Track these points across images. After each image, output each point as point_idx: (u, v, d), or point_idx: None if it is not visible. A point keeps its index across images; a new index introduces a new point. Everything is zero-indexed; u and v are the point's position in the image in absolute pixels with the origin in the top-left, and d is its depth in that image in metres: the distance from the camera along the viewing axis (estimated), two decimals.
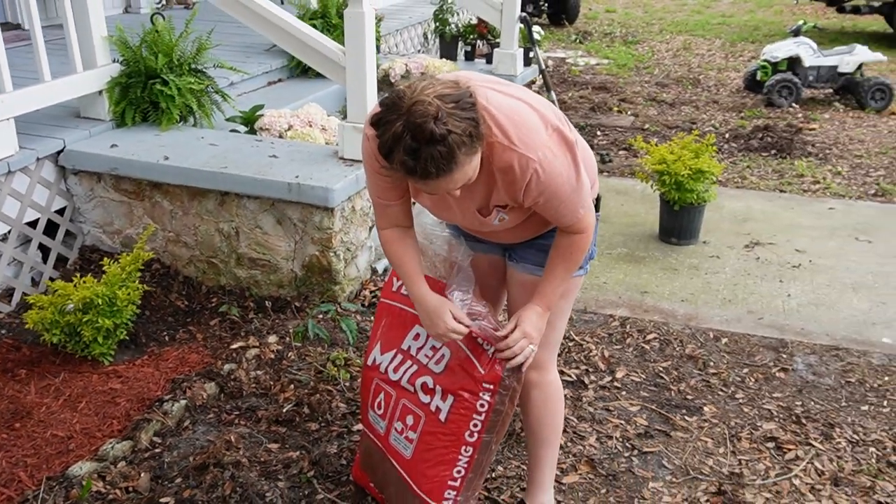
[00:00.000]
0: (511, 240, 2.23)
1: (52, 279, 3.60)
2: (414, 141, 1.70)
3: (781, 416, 3.07)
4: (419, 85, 1.76)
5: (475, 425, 2.17)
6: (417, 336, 2.32)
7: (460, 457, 2.20)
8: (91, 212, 3.90)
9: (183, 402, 2.96)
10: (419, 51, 7.39)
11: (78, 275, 3.31)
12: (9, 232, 3.55)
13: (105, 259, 3.34)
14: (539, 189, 1.92)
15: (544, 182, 1.91)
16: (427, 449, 2.23)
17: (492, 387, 2.14)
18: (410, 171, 1.75)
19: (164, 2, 7.38)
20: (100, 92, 3.99)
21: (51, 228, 3.81)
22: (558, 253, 2.12)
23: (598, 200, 2.27)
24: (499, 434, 2.23)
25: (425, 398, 2.23)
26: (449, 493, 2.23)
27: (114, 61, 4.04)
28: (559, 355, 3.39)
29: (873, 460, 2.82)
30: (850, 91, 7.50)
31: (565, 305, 2.32)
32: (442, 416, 2.19)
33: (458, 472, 2.22)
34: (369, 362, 2.42)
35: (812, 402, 3.15)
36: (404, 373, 2.30)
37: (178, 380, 3.09)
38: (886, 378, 3.30)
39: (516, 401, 2.21)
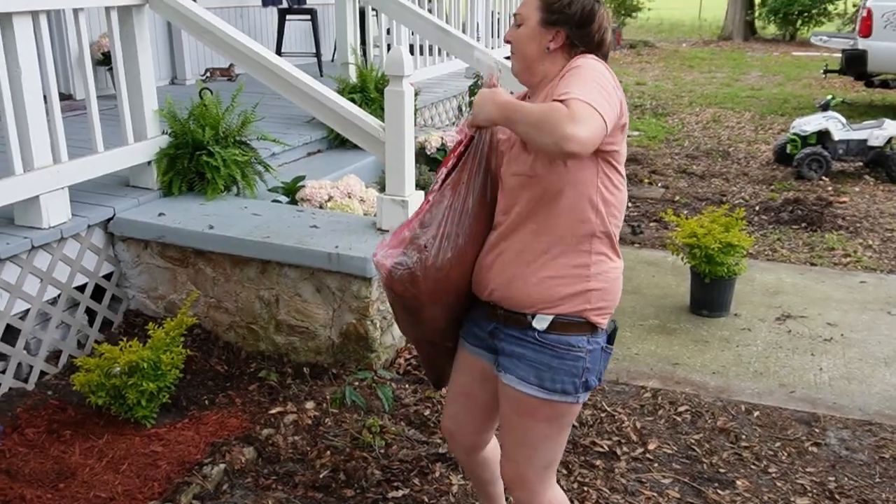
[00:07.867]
0: (500, 276, 2.10)
1: (97, 342, 3.71)
2: None
3: (815, 491, 3.06)
4: None
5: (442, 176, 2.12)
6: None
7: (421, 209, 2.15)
8: (136, 277, 4.04)
9: (222, 465, 3.02)
10: (454, 123, 7.58)
11: (124, 338, 3.43)
12: (58, 296, 3.69)
13: (150, 324, 3.45)
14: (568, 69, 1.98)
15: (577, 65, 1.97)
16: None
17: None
18: None
19: (208, 74, 7.68)
20: (149, 162, 4.17)
21: (97, 293, 3.95)
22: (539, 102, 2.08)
23: (613, 333, 2.16)
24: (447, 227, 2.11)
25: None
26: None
27: (162, 133, 4.23)
28: (591, 426, 3.42)
29: None
30: (881, 164, 7.54)
31: (548, 431, 2.14)
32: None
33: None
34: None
35: (846, 478, 3.14)
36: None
37: (217, 444, 3.16)
38: None
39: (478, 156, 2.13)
